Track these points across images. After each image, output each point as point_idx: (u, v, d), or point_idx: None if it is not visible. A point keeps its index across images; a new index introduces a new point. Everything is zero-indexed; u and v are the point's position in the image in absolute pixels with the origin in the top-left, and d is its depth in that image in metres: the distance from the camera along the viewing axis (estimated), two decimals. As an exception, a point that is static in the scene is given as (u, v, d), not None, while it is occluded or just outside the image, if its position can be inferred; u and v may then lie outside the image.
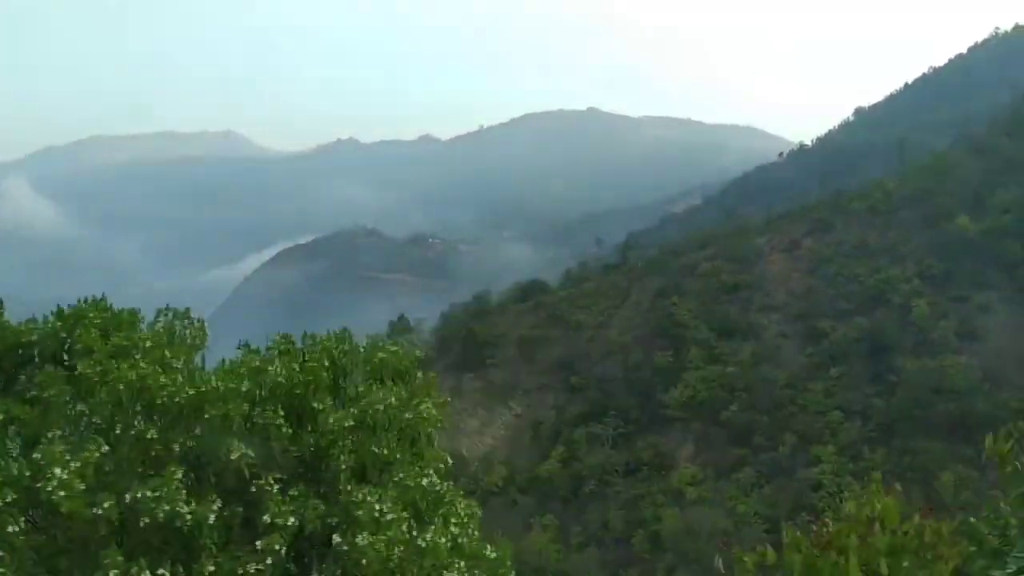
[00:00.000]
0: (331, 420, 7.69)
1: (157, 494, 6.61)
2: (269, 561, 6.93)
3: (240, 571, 6.85)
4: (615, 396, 63.87)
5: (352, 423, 7.73)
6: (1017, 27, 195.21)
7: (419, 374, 9.01)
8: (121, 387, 7.25)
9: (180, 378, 7.50)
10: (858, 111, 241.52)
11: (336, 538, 7.32)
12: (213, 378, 7.66)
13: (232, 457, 7.14)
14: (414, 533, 7.57)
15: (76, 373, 7.50)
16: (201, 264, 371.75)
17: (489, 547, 8.41)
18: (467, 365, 70.69)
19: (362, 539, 7.19)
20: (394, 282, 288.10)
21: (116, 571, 6.51)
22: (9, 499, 6.41)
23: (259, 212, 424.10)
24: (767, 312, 68.23)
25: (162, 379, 7.29)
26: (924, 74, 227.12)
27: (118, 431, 7.19)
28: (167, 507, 6.58)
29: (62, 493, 6.49)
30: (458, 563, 7.87)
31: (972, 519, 4.97)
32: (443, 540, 7.76)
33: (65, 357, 7.85)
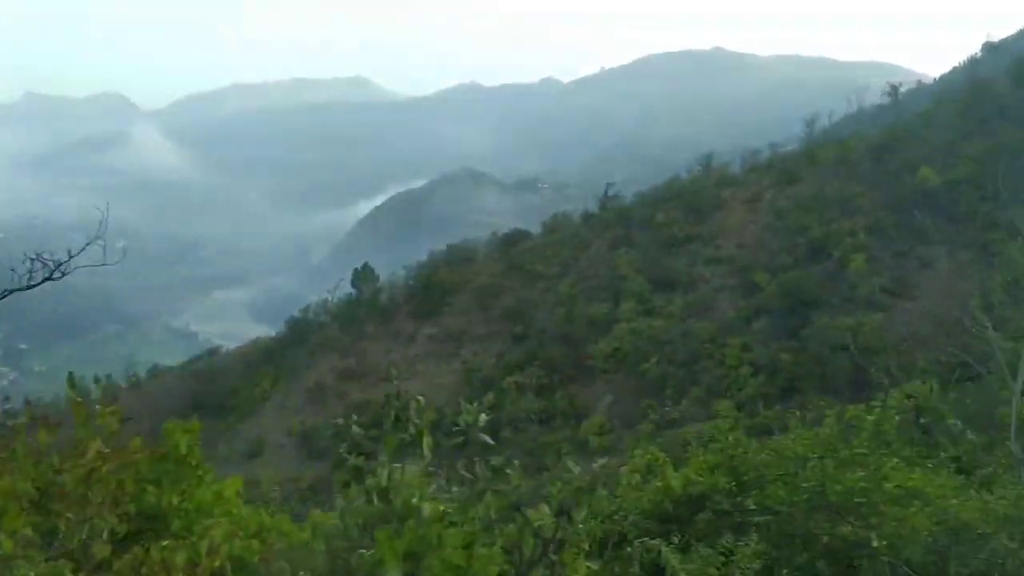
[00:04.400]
0: None
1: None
2: None
3: None
4: (548, 346, 65.47)
5: None
6: None
7: None
8: None
9: None
10: (986, 46, 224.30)
11: None
12: None
13: None
14: None
15: None
16: (319, 207, 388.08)
17: None
18: (425, 313, 73.88)
19: None
20: (500, 227, 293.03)
21: None
22: None
23: (377, 156, 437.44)
24: (713, 265, 67.51)
25: None
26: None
27: None
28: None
29: None
30: None
31: None
32: None
33: None
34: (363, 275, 75.93)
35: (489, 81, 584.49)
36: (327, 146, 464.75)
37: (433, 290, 73.84)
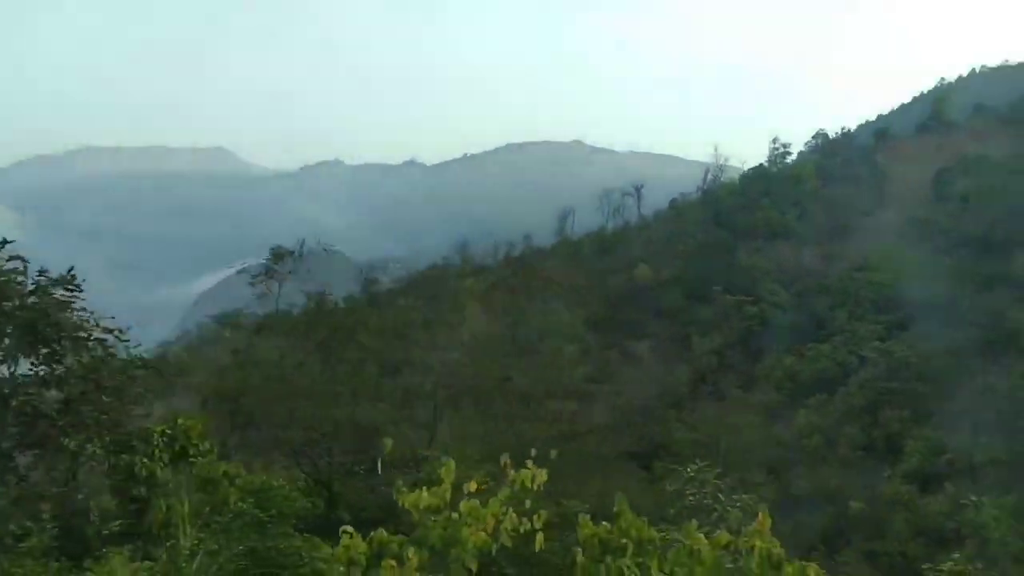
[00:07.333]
0: None
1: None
2: None
3: None
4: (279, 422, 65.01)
5: None
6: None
7: None
8: None
9: None
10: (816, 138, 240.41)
11: None
12: None
13: None
14: None
15: None
16: (162, 280, 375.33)
17: None
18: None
19: None
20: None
21: None
22: None
23: (230, 229, 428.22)
24: (450, 351, 69.08)
25: None
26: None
27: None
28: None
29: None
30: None
31: None
32: None
33: None
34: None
35: (352, 159, 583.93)
36: (179, 216, 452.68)
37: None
